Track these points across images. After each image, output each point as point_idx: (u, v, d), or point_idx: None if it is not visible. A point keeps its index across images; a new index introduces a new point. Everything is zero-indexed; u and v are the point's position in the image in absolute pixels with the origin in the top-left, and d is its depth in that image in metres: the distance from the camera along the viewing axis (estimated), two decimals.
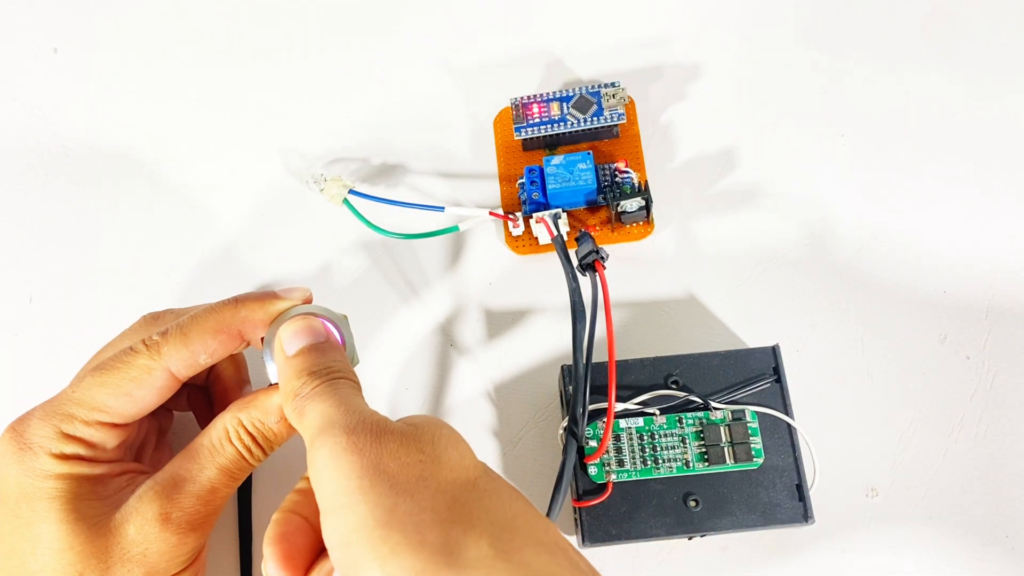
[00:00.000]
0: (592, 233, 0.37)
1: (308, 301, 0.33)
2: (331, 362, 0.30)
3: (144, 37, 0.48)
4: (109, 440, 0.31)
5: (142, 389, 0.31)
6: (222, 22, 0.48)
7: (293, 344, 0.30)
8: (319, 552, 0.29)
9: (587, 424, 0.34)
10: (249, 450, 0.32)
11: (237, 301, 0.32)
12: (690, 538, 0.35)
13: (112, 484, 0.31)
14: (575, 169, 0.40)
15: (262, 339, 0.32)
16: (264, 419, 0.32)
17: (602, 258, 0.34)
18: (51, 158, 0.45)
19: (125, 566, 0.30)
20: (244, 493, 0.37)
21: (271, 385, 0.32)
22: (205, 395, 0.37)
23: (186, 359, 0.31)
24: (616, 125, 0.41)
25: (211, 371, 0.36)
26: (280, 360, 0.31)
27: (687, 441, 0.35)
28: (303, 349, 0.30)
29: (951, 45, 0.44)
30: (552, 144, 0.42)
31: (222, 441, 0.31)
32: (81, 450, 0.30)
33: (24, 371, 0.41)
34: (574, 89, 0.41)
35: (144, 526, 0.30)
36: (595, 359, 0.35)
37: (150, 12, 0.48)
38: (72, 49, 0.48)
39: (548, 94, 0.42)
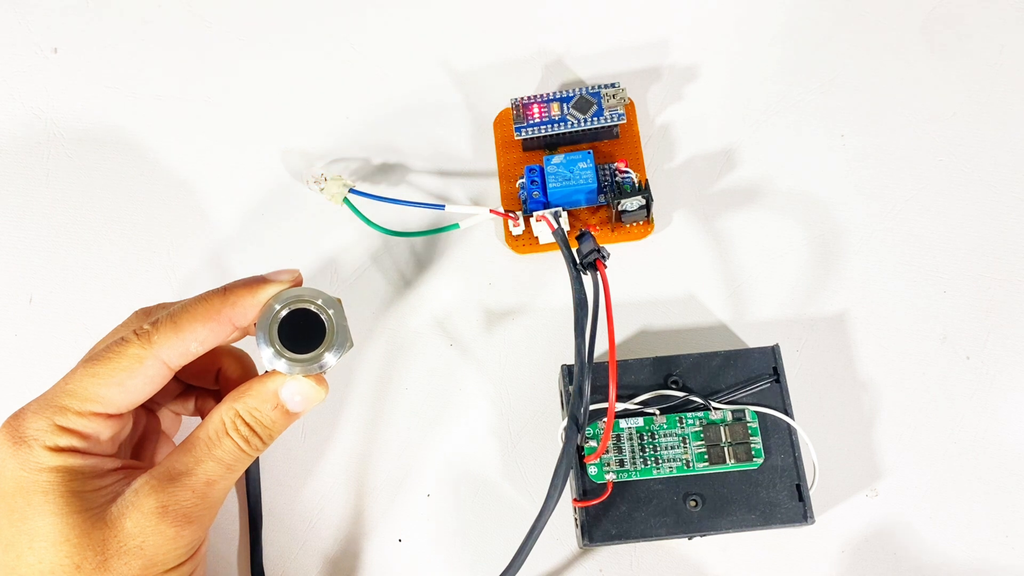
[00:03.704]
0: (592, 232, 0.37)
1: (298, 283, 0.33)
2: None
3: (144, 38, 0.48)
4: (103, 431, 0.31)
5: (134, 378, 0.31)
6: (222, 23, 0.48)
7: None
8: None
9: (587, 424, 0.34)
10: (247, 440, 0.32)
11: (226, 289, 0.32)
12: (690, 538, 0.35)
13: (108, 477, 0.31)
14: (575, 168, 0.40)
15: (255, 325, 0.32)
16: (260, 407, 0.32)
17: (603, 257, 0.34)
18: (51, 158, 0.45)
19: (122, 559, 0.30)
20: (253, 489, 0.37)
21: (266, 372, 0.32)
22: (215, 399, 0.37)
23: (177, 347, 0.31)
24: (616, 125, 0.42)
25: (219, 373, 0.36)
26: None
27: (687, 441, 0.35)
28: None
29: (952, 45, 0.44)
30: (552, 144, 0.42)
31: (219, 433, 0.31)
32: (75, 442, 0.30)
33: (24, 371, 0.41)
34: (574, 90, 0.41)
35: (141, 519, 0.30)
36: (595, 359, 0.35)
37: (149, 12, 0.48)
38: (72, 49, 0.48)
39: (548, 94, 0.42)
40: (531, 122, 0.41)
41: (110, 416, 0.31)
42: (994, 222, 0.41)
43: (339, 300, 0.32)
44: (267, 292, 0.32)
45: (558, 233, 0.37)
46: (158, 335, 0.31)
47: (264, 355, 0.31)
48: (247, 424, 0.32)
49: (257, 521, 0.37)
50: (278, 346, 0.31)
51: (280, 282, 0.32)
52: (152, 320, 0.32)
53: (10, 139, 0.46)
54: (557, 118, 0.41)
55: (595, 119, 0.41)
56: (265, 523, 0.37)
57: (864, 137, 0.43)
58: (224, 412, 0.32)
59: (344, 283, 0.41)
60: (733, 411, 0.35)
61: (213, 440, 0.31)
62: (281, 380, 0.32)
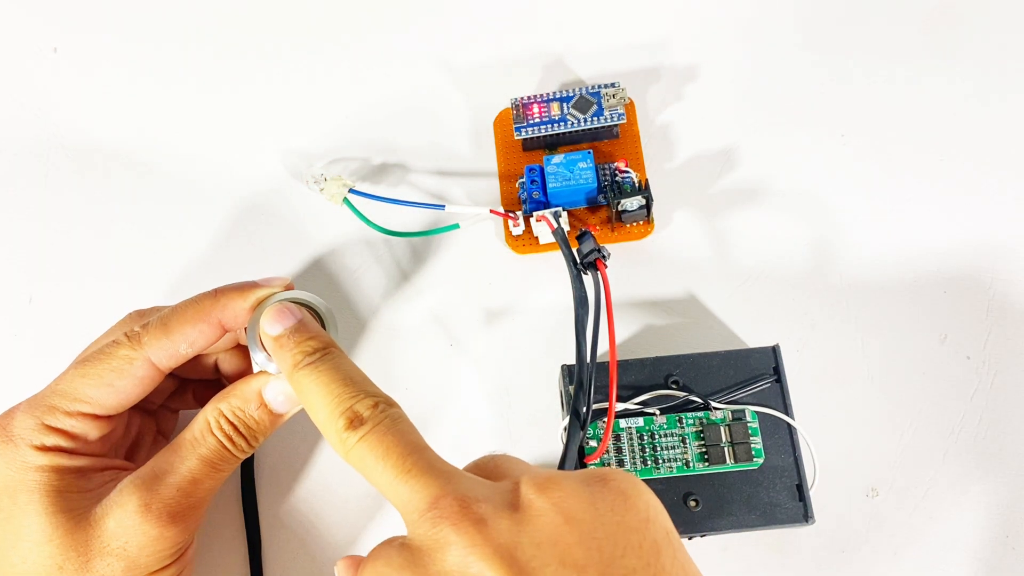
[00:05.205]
0: (593, 232, 0.37)
1: (289, 289, 0.33)
2: (316, 333, 0.30)
3: (144, 37, 0.48)
4: (91, 432, 0.31)
5: (123, 379, 0.31)
6: (222, 22, 0.48)
7: (275, 327, 0.30)
8: None
9: (589, 422, 0.34)
10: (230, 439, 0.32)
11: (217, 292, 0.33)
12: (690, 538, 0.35)
13: (95, 478, 0.31)
14: (575, 168, 0.40)
15: (246, 330, 0.32)
16: (244, 407, 0.32)
17: (604, 256, 0.34)
18: (51, 158, 0.45)
19: (105, 559, 0.30)
20: (249, 499, 0.37)
21: (254, 374, 0.32)
22: (215, 389, 0.37)
23: (167, 349, 0.32)
24: (616, 125, 0.41)
25: (217, 365, 0.36)
26: (269, 345, 0.31)
27: (687, 441, 0.35)
28: (287, 329, 0.30)
29: (952, 44, 0.44)
30: (552, 144, 0.42)
31: (203, 433, 0.32)
32: (62, 441, 0.31)
33: (24, 371, 0.41)
34: (574, 89, 0.41)
35: (124, 518, 0.30)
36: (595, 359, 0.35)
37: (150, 13, 0.48)
38: (72, 49, 0.48)
39: (548, 94, 0.42)
40: (531, 122, 0.41)
41: (99, 417, 0.31)
42: (994, 222, 0.41)
43: (329, 307, 0.33)
44: (257, 295, 0.32)
45: (558, 233, 0.37)
46: (148, 337, 0.31)
47: (256, 358, 0.32)
48: (231, 423, 0.32)
49: (255, 525, 0.37)
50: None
51: (271, 287, 0.33)
52: (143, 323, 0.32)
53: (10, 139, 0.46)
54: (557, 118, 0.41)
55: (595, 119, 0.41)
56: (264, 526, 0.37)
57: (864, 137, 0.43)
58: (209, 412, 0.32)
59: (344, 283, 0.41)
60: (733, 411, 0.35)
61: (198, 439, 0.32)
62: (265, 380, 0.32)
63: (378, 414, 0.27)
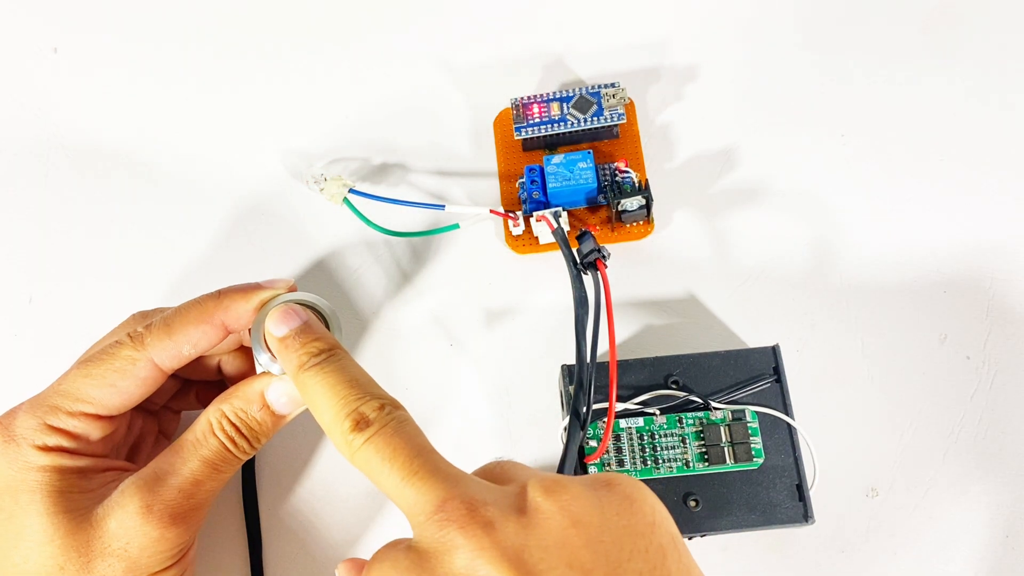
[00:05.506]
0: (592, 232, 0.37)
1: (292, 291, 0.33)
2: (321, 335, 0.30)
3: (144, 37, 0.48)
4: (93, 432, 0.31)
5: (126, 380, 0.31)
6: (222, 22, 0.48)
7: (280, 329, 0.30)
8: None
9: (589, 422, 0.34)
10: (233, 441, 0.32)
11: (220, 293, 0.33)
12: (690, 538, 0.35)
13: (97, 479, 0.31)
14: (575, 168, 0.40)
15: (250, 331, 0.32)
16: (246, 408, 0.32)
17: (604, 256, 0.34)
18: (51, 158, 0.45)
19: (106, 560, 0.30)
20: (250, 500, 0.37)
21: (256, 375, 0.32)
22: (218, 389, 0.37)
23: (169, 350, 0.32)
24: (616, 125, 0.42)
25: (219, 367, 0.36)
26: (274, 346, 0.31)
27: (687, 441, 0.35)
28: (293, 330, 0.30)
29: (952, 44, 0.44)
30: (552, 144, 0.42)
31: (205, 434, 0.32)
32: (64, 441, 0.31)
33: (24, 371, 0.41)
34: (574, 89, 0.41)
35: (125, 519, 0.30)
36: (595, 359, 0.35)
37: (150, 13, 0.48)
38: (72, 49, 0.48)
39: (548, 94, 0.42)
40: (531, 122, 0.41)
41: (101, 417, 0.31)
42: (994, 222, 0.41)
43: (333, 309, 0.33)
44: (261, 297, 0.32)
45: (558, 233, 0.37)
46: (151, 337, 0.31)
47: (259, 359, 0.32)
48: (233, 425, 0.32)
49: (256, 525, 0.37)
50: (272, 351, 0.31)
51: (275, 288, 0.33)
52: (146, 324, 0.32)
53: (10, 139, 0.46)
54: (557, 118, 0.41)
55: (595, 119, 0.41)
56: (264, 526, 0.37)
57: (864, 137, 0.43)
58: (211, 413, 0.32)
59: (344, 283, 0.41)
60: (733, 411, 0.35)
61: (200, 440, 0.32)
62: (267, 381, 0.32)
63: (384, 416, 0.27)
